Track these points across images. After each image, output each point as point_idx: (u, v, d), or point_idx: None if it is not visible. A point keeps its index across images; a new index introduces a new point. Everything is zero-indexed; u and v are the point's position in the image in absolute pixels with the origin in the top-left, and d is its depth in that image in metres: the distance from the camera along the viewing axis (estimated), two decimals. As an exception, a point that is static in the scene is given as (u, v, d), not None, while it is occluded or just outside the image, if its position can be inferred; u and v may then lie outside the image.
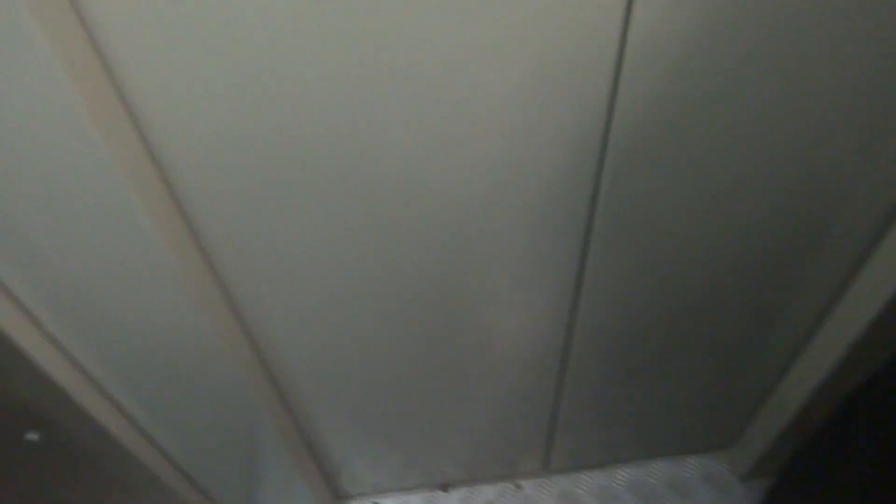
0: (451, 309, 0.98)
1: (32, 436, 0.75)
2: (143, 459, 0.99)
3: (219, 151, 0.70)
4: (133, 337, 0.84)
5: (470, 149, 0.73)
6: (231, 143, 0.69)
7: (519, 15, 0.63)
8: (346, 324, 0.98)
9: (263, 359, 1.03)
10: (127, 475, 0.97)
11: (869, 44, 0.69)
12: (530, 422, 1.35)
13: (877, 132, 0.79)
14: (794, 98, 0.73)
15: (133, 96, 0.64)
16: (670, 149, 0.76)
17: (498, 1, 0.62)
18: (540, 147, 0.74)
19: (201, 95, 0.64)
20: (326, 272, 0.88)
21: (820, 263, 1.00)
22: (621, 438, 1.47)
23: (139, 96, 0.64)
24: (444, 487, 1.56)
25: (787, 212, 0.89)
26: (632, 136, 0.74)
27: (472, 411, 1.28)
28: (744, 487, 1.51)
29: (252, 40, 0.61)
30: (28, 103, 0.58)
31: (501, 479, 1.56)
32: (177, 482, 1.12)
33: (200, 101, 0.65)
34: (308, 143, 0.70)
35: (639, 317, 1.06)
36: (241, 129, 0.68)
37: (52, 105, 0.58)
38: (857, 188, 0.87)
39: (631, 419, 1.39)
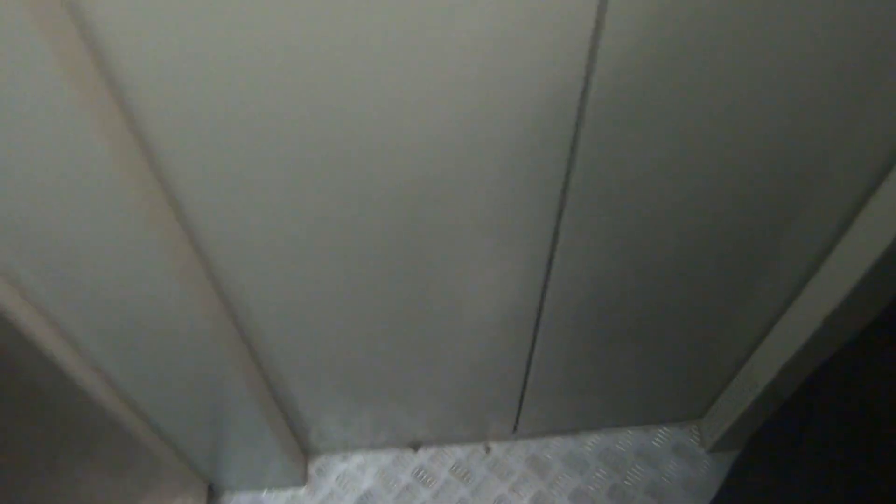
0: (421, 267, 0.97)
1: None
2: (101, 399, 0.97)
3: (185, 90, 0.67)
4: (95, 281, 0.82)
5: (439, 99, 0.71)
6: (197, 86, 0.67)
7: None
8: (315, 279, 0.97)
9: (233, 312, 1.02)
10: (83, 414, 0.96)
11: None
12: (501, 385, 1.35)
13: (861, 98, 0.77)
14: (783, 54, 0.71)
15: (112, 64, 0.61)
16: (652, 103, 0.74)
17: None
18: (514, 99, 0.72)
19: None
20: (293, 226, 0.86)
21: (795, 238, 0.99)
22: (591, 406, 1.47)
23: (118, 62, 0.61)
24: (414, 447, 1.56)
25: (767, 182, 0.88)
26: (613, 89, 0.72)
27: (442, 372, 1.28)
28: (712, 459, 1.52)
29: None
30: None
31: (471, 440, 1.56)
32: (139, 428, 1.11)
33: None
34: (269, 90, 0.68)
35: (613, 283, 1.05)
36: (212, 80, 0.65)
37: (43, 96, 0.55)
38: (838, 159, 0.86)
39: (602, 387, 1.39)
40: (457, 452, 1.55)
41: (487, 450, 1.56)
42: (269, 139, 0.72)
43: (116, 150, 0.67)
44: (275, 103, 0.68)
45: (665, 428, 1.58)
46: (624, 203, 0.88)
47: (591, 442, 1.56)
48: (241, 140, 0.72)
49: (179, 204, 0.81)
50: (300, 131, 0.72)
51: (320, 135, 0.73)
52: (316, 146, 0.74)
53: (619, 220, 0.91)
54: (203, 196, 0.80)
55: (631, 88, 0.72)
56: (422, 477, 1.52)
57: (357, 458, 1.55)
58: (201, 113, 0.69)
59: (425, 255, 0.94)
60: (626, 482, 1.50)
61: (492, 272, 1.00)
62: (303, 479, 1.51)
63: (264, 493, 1.51)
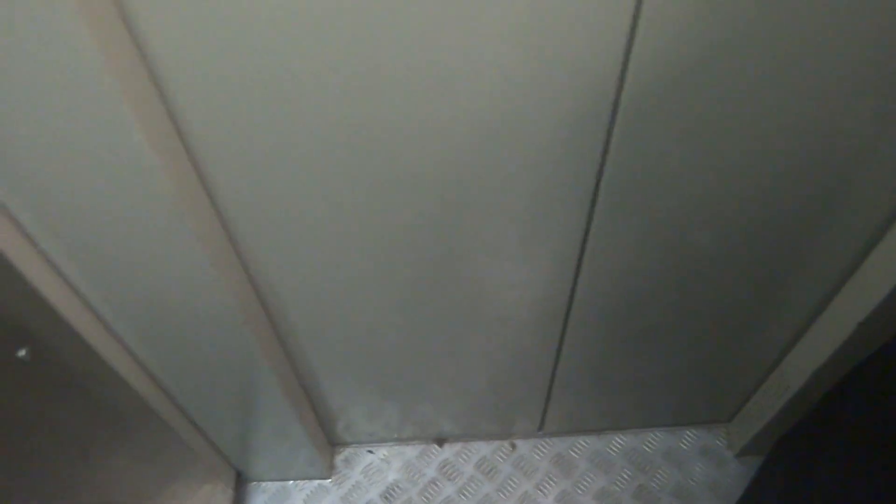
0: (451, 260, 0.97)
1: (22, 353, 0.75)
2: (135, 386, 0.99)
3: (221, 86, 0.68)
4: (130, 266, 0.83)
5: (474, 90, 0.71)
6: (230, 77, 0.67)
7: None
8: (345, 270, 0.98)
9: (264, 301, 1.03)
10: (118, 401, 0.98)
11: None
12: (528, 382, 1.35)
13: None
14: (819, 54, 0.70)
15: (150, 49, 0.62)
16: (686, 103, 0.74)
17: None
18: (550, 93, 0.72)
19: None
20: (323, 214, 0.86)
21: (832, 239, 0.97)
22: (619, 405, 1.46)
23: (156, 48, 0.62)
24: (440, 442, 1.56)
25: (802, 181, 0.87)
26: (648, 87, 0.72)
27: (469, 367, 1.28)
28: (739, 463, 1.51)
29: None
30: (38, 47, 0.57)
31: (497, 437, 1.56)
32: (170, 414, 1.13)
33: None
34: (305, 81, 0.69)
35: (643, 281, 1.04)
36: (240, 61, 0.66)
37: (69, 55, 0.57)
38: (875, 161, 0.84)
39: (630, 386, 1.38)
40: (482, 448, 1.56)
41: (513, 447, 1.55)
42: (301, 122, 0.73)
43: (152, 136, 0.68)
44: (307, 85, 0.69)
45: (693, 430, 1.57)
46: (656, 200, 0.88)
47: (618, 442, 1.55)
48: (273, 125, 0.73)
49: (213, 191, 0.82)
50: (332, 114, 0.73)
51: (353, 118, 0.73)
52: (348, 129, 0.75)
53: (650, 217, 0.91)
54: (236, 183, 0.81)
55: (665, 86, 0.72)
56: (447, 471, 1.52)
57: (383, 451, 1.56)
58: (236, 99, 0.70)
59: (454, 245, 0.94)
60: (652, 483, 1.49)
61: (521, 265, 1.00)
62: (329, 471, 1.52)
63: (291, 483, 1.53)
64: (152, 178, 0.70)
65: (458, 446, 1.56)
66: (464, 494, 1.49)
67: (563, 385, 1.34)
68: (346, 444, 1.58)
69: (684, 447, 1.54)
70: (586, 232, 0.93)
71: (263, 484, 1.53)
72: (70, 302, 0.86)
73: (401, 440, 1.56)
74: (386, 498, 1.49)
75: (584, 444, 1.55)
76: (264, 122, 0.73)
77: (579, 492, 1.48)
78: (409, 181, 0.83)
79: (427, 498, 1.49)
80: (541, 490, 1.49)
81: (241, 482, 1.51)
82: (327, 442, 1.54)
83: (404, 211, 0.87)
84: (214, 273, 0.83)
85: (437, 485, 1.51)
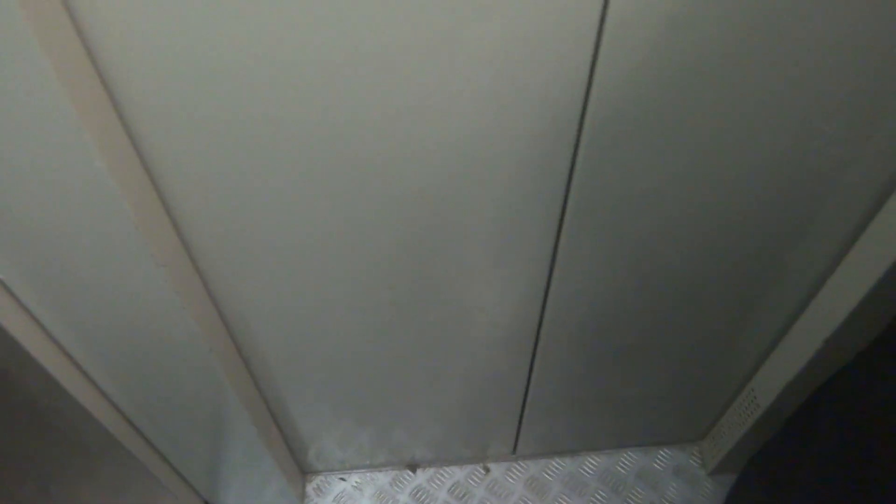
0: (421, 284, 0.97)
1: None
2: (99, 417, 0.97)
3: (193, 113, 0.67)
4: (91, 295, 0.82)
5: (445, 117, 0.71)
6: (194, 101, 0.67)
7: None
8: (314, 297, 0.97)
9: (231, 329, 1.01)
10: (81, 433, 0.95)
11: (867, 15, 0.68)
12: (501, 405, 1.34)
13: (865, 119, 0.77)
14: (784, 76, 0.71)
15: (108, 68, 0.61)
16: (651, 123, 0.75)
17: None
18: (515, 118, 0.72)
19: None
20: (291, 240, 0.86)
21: (799, 257, 0.99)
22: (592, 426, 1.46)
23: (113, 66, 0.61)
24: (412, 467, 1.55)
25: (770, 201, 0.88)
26: (612, 107, 0.72)
27: (441, 392, 1.27)
28: (713, 482, 1.51)
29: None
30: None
31: (470, 461, 1.55)
32: (136, 446, 1.10)
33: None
34: (273, 107, 0.68)
35: (613, 302, 1.05)
36: (205, 85, 0.65)
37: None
38: (842, 181, 0.86)
39: (602, 407, 1.38)
40: (455, 473, 1.54)
41: (486, 470, 1.54)
42: (269, 146, 0.73)
43: (114, 162, 0.67)
44: (276, 107, 0.68)
45: (666, 449, 1.57)
46: (623, 221, 0.88)
47: (592, 463, 1.55)
48: (239, 150, 0.73)
49: (177, 218, 0.81)
50: (302, 137, 0.72)
51: (322, 141, 0.73)
52: (318, 154, 0.74)
53: (618, 239, 0.91)
54: (201, 210, 0.80)
55: (630, 107, 0.73)
56: (420, 497, 1.50)
57: (355, 478, 1.54)
58: (201, 122, 0.69)
59: (425, 270, 0.94)
60: (626, 504, 1.48)
61: (491, 288, 0.99)
62: (300, 500, 1.49)
63: (261, 513, 1.50)
64: (113, 205, 0.68)
65: (431, 471, 1.54)
66: (438, 520, 1.47)
67: (535, 407, 1.34)
68: (317, 472, 1.55)
69: (658, 467, 1.54)
70: (554, 255, 0.93)
71: (233, 515, 1.50)
72: (30, 332, 0.84)
73: (373, 466, 1.54)
74: (359, 526, 1.47)
75: (558, 465, 1.54)
76: (230, 147, 0.72)
77: (554, 515, 1.47)
78: (379, 207, 0.82)
79: (400, 525, 1.47)
80: (515, 514, 1.48)
81: (209, 513, 1.48)
82: (298, 470, 1.51)
83: (374, 237, 0.87)
84: (178, 301, 0.82)
85: (410, 511, 1.49)
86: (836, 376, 0.78)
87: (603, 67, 0.68)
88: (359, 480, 1.54)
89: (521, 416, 1.38)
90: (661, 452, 1.56)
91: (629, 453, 1.56)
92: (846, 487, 0.67)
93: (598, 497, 1.49)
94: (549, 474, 1.53)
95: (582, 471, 1.54)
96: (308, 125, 0.70)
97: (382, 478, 1.54)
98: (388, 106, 0.69)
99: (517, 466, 1.54)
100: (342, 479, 1.54)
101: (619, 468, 1.54)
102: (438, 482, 1.53)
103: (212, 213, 0.81)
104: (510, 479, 1.53)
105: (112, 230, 0.71)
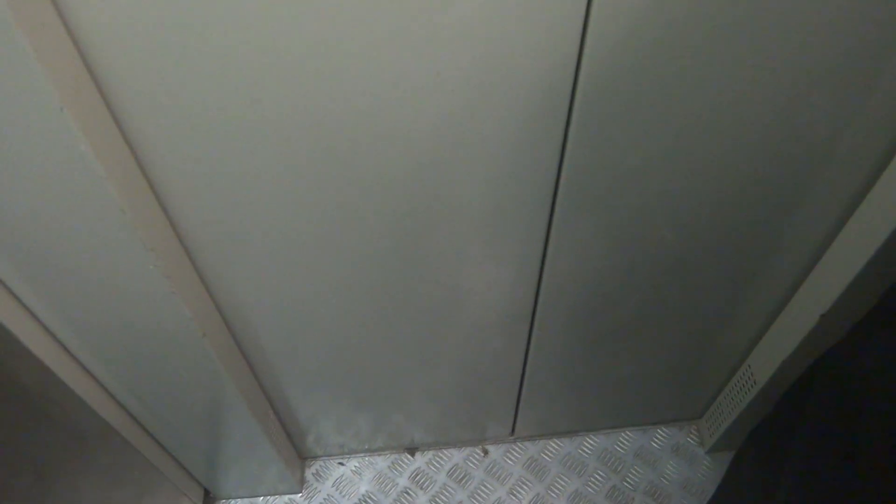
0: (414, 266, 0.96)
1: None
2: (94, 406, 0.96)
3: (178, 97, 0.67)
4: (82, 281, 0.81)
5: (432, 95, 0.70)
6: (182, 84, 0.66)
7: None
8: (308, 281, 0.96)
9: (224, 314, 1.01)
10: (77, 422, 0.95)
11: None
12: (498, 387, 1.34)
13: (857, 89, 0.76)
14: (778, 47, 0.70)
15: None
16: (642, 98, 0.74)
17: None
18: (505, 92, 0.71)
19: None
20: (283, 226, 0.85)
21: (793, 233, 0.98)
22: (589, 407, 1.46)
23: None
24: (411, 451, 1.55)
25: (762, 176, 0.87)
26: (602, 83, 0.72)
27: (438, 375, 1.27)
28: (711, 459, 1.51)
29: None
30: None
31: (469, 444, 1.55)
32: (133, 434, 1.10)
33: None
34: (261, 89, 0.67)
35: (608, 281, 1.04)
36: (193, 68, 0.65)
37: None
38: (833, 156, 0.85)
39: (599, 387, 1.38)
40: (454, 456, 1.54)
41: (485, 452, 1.54)
42: (254, 129, 0.72)
43: (99, 147, 0.66)
44: (260, 89, 0.68)
45: (664, 428, 1.57)
46: (616, 199, 0.88)
47: (590, 443, 1.55)
48: (228, 134, 0.72)
49: (166, 203, 0.80)
50: (286, 121, 0.71)
51: (306, 125, 0.72)
52: (302, 137, 0.73)
53: (611, 217, 0.91)
54: (191, 194, 0.79)
55: (620, 80, 0.72)
56: (419, 480, 1.51)
57: (354, 463, 1.54)
58: (187, 100, 0.68)
59: (418, 253, 0.93)
60: (625, 483, 1.49)
61: (485, 271, 0.99)
62: (299, 485, 1.50)
63: (261, 499, 1.50)
64: (98, 188, 0.68)
65: (429, 455, 1.55)
66: (436, 503, 1.47)
67: (533, 388, 1.34)
68: (316, 457, 1.55)
69: (656, 446, 1.54)
70: (548, 232, 0.92)
71: (233, 501, 1.50)
72: (21, 320, 0.84)
73: (371, 451, 1.55)
74: (358, 510, 1.48)
75: (556, 446, 1.55)
76: (217, 130, 0.71)
77: (553, 495, 1.47)
78: (370, 189, 0.81)
79: (400, 508, 1.47)
80: (514, 495, 1.48)
81: (209, 500, 1.48)
82: (297, 455, 1.52)
83: (365, 222, 0.86)
84: (167, 284, 0.81)
85: (409, 494, 1.49)
86: (828, 351, 0.77)
87: (592, 41, 0.67)
88: (358, 465, 1.54)
89: (519, 398, 1.38)
90: (659, 431, 1.56)
91: (627, 433, 1.56)
92: (836, 459, 0.67)
93: (597, 477, 1.49)
94: (547, 455, 1.53)
95: (580, 451, 1.54)
96: (292, 109, 0.69)
97: (381, 462, 1.54)
98: (372, 87, 0.68)
99: (515, 448, 1.55)
100: (341, 464, 1.54)
101: (617, 448, 1.54)
102: (437, 465, 1.53)
103: (201, 198, 0.80)
104: (509, 461, 1.53)
105: (98, 214, 0.71)
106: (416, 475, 1.51)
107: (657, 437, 1.55)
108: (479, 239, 0.92)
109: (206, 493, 1.47)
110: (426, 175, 0.81)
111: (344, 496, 1.49)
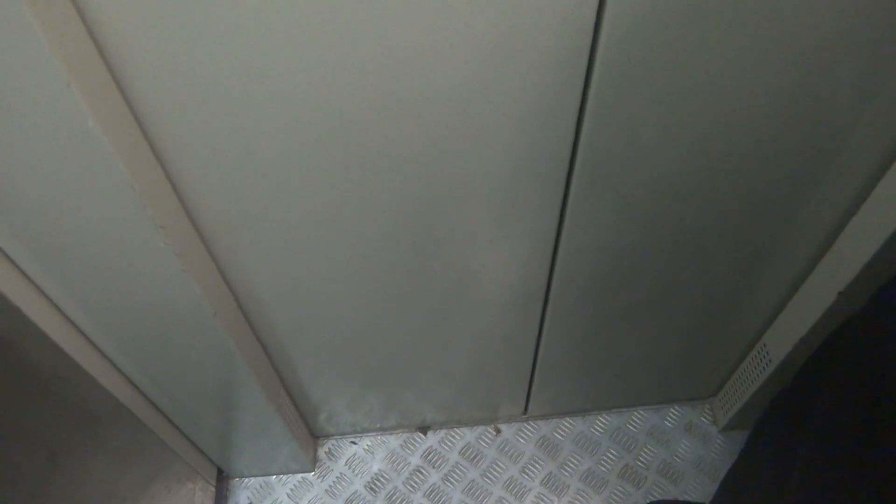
0: (428, 243, 0.95)
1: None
2: (107, 385, 0.96)
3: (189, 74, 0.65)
4: (92, 260, 0.80)
5: (445, 66, 0.69)
6: (192, 60, 0.65)
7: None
8: (320, 261, 0.95)
9: (236, 293, 1.00)
10: (89, 401, 0.95)
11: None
12: (511, 366, 1.33)
13: (881, 58, 0.74)
14: (800, 18, 0.68)
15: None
16: (660, 68, 0.72)
17: None
18: (521, 63, 0.69)
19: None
20: (297, 206, 0.84)
21: (813, 209, 0.96)
22: (602, 385, 1.45)
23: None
24: (423, 430, 1.55)
25: (783, 152, 0.85)
26: (620, 57, 0.70)
27: (451, 354, 1.26)
28: (724, 438, 1.51)
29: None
30: None
31: (481, 422, 1.55)
32: (145, 413, 1.10)
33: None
34: (272, 65, 0.66)
35: (623, 258, 1.03)
36: (204, 46, 0.63)
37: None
38: (853, 132, 0.83)
39: (612, 366, 1.37)
40: (466, 434, 1.54)
41: (497, 431, 1.54)
42: (265, 103, 0.70)
43: (108, 124, 0.65)
44: (272, 67, 0.66)
45: (677, 407, 1.56)
46: (633, 173, 0.86)
47: (602, 422, 1.55)
48: (239, 110, 0.71)
49: (176, 181, 0.79)
50: (301, 99, 0.70)
51: (323, 103, 0.71)
52: (317, 115, 0.72)
53: (627, 192, 0.89)
54: (202, 172, 0.78)
55: (639, 50, 0.70)
56: (431, 459, 1.51)
57: (366, 442, 1.54)
58: (195, 73, 0.67)
59: (432, 229, 0.92)
60: (638, 462, 1.48)
61: (498, 246, 0.98)
62: (312, 464, 1.50)
63: (274, 478, 1.50)
64: (108, 166, 0.67)
65: (441, 433, 1.54)
66: (449, 481, 1.47)
67: (546, 367, 1.33)
68: (328, 436, 1.56)
69: (669, 424, 1.53)
70: (563, 208, 0.91)
71: (246, 480, 1.51)
72: (33, 299, 0.83)
73: (384, 430, 1.55)
74: (371, 489, 1.48)
75: (568, 425, 1.54)
76: (227, 105, 0.70)
77: (565, 474, 1.47)
78: (383, 166, 0.80)
79: (412, 487, 1.47)
80: (526, 474, 1.48)
81: (222, 479, 1.48)
82: (309, 434, 1.52)
83: (379, 197, 0.85)
84: (178, 263, 0.80)
85: (421, 473, 1.49)
86: (847, 322, 0.76)
87: (611, 9, 0.65)
88: (370, 443, 1.54)
89: (532, 377, 1.38)
90: (672, 410, 1.56)
91: (640, 412, 1.55)
92: (857, 424, 0.66)
93: (609, 455, 1.49)
94: (559, 434, 1.53)
95: (593, 430, 1.53)
96: (302, 80, 0.68)
97: (394, 440, 1.54)
98: (383, 59, 0.67)
99: (528, 427, 1.54)
100: (353, 443, 1.54)
101: (629, 426, 1.54)
102: (450, 444, 1.53)
103: (211, 176, 0.79)
104: (521, 440, 1.53)
105: (107, 191, 0.70)
106: (429, 454, 1.52)
107: (670, 416, 1.55)
108: (493, 216, 0.91)
109: (220, 471, 1.47)
110: (438, 150, 0.79)
111: (356, 475, 1.50)
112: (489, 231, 0.94)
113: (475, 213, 0.90)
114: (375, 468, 1.50)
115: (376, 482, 1.48)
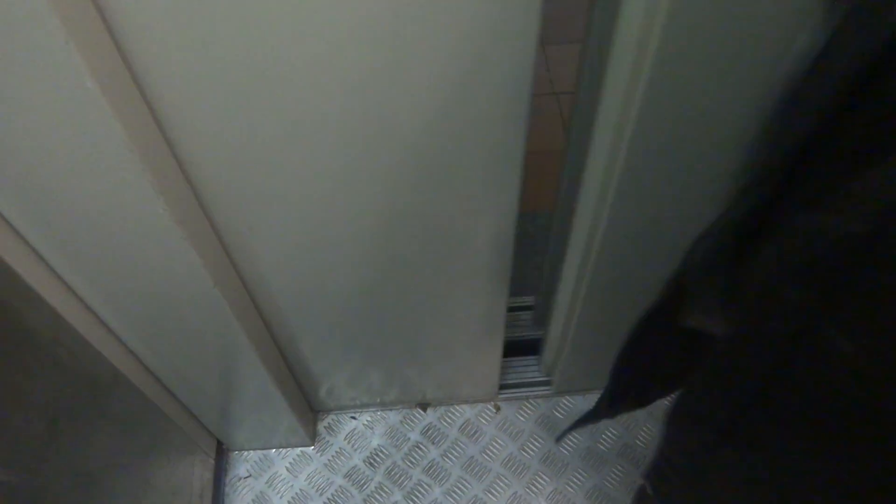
0: (427, 220, 0.94)
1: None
2: (107, 354, 0.96)
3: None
4: (91, 225, 0.80)
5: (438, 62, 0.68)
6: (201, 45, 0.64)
7: None
8: (319, 235, 0.95)
9: (238, 267, 1.00)
10: (89, 370, 0.95)
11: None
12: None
13: None
14: None
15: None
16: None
17: None
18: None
19: None
20: (297, 178, 0.83)
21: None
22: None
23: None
24: (423, 406, 1.55)
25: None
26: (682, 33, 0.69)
27: (451, 330, 1.26)
28: (724, 419, 1.50)
29: None
30: None
31: (481, 400, 1.55)
32: (145, 384, 1.10)
33: None
34: (274, 48, 0.66)
35: (664, 232, 1.01)
36: (212, 35, 0.63)
37: None
38: None
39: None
40: (466, 411, 1.54)
41: (497, 409, 1.54)
42: (270, 76, 0.70)
43: (104, 77, 0.64)
44: (276, 35, 0.66)
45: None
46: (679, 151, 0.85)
47: (603, 401, 1.54)
48: (242, 80, 0.70)
49: (180, 149, 0.78)
50: (293, 61, 0.69)
51: (315, 67, 0.70)
52: (310, 78, 0.71)
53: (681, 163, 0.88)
54: (204, 141, 0.77)
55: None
56: (431, 435, 1.51)
57: (366, 417, 1.55)
58: (201, 45, 0.66)
59: (432, 206, 0.91)
60: (637, 441, 1.48)
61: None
62: (311, 438, 1.50)
63: (273, 451, 1.51)
64: (106, 128, 0.66)
65: (441, 410, 1.55)
66: (448, 458, 1.48)
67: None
68: (328, 411, 1.56)
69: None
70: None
71: (245, 453, 1.51)
72: (33, 265, 0.83)
73: (384, 405, 1.55)
74: (370, 463, 1.48)
75: (568, 404, 1.54)
76: (231, 73, 0.69)
77: (564, 452, 1.47)
78: (381, 139, 0.79)
79: (411, 462, 1.48)
80: (525, 451, 1.48)
81: (222, 451, 1.49)
82: (309, 409, 1.52)
83: (381, 166, 0.84)
84: (178, 231, 0.79)
85: (421, 449, 1.49)
86: None
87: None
88: (370, 419, 1.54)
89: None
90: (673, 390, 1.55)
91: (640, 391, 1.55)
92: None
93: (609, 434, 1.49)
94: (559, 412, 1.53)
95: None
96: (296, 50, 0.67)
97: (393, 416, 1.54)
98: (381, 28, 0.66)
99: (528, 405, 1.54)
100: (353, 418, 1.54)
101: (630, 406, 1.53)
102: (449, 420, 1.53)
103: (214, 146, 0.78)
104: (521, 418, 1.53)
105: (106, 154, 0.69)
106: (428, 430, 1.52)
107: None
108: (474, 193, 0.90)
109: (219, 444, 1.47)
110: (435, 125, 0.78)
111: (356, 449, 1.50)
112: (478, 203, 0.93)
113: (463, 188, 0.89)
114: (375, 443, 1.51)
115: (375, 457, 1.49)
